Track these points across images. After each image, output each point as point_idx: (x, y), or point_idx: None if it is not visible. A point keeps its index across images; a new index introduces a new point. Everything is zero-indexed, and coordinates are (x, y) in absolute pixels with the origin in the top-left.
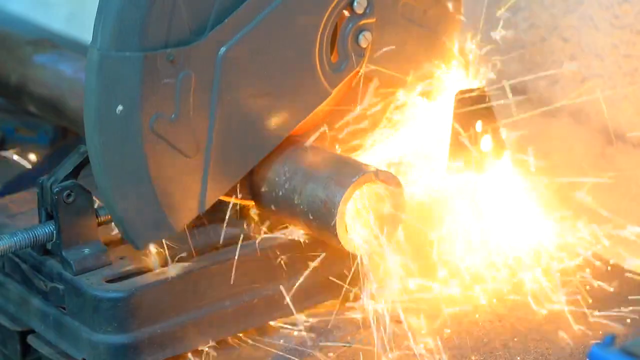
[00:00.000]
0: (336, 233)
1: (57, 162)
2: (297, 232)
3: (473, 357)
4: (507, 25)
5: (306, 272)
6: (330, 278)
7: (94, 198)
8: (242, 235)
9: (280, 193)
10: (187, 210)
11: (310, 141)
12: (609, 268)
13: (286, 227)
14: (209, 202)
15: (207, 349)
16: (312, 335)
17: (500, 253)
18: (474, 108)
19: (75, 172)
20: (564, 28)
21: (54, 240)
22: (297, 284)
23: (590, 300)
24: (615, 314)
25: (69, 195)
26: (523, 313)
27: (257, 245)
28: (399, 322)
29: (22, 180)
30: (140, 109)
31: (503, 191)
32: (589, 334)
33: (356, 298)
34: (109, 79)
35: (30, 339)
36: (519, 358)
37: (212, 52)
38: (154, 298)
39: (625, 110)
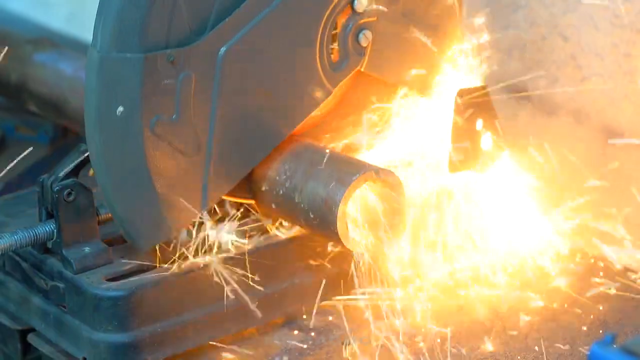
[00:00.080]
0: (337, 231)
1: (57, 161)
2: (297, 231)
3: (473, 356)
4: (507, 24)
5: (306, 271)
6: (330, 277)
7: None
8: (242, 234)
9: (281, 192)
10: (188, 210)
11: (310, 140)
12: (609, 266)
13: (286, 226)
14: (210, 202)
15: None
16: (312, 334)
17: (500, 251)
18: (475, 107)
19: (75, 171)
20: (564, 27)
21: (55, 238)
22: (297, 283)
23: (591, 300)
24: (616, 313)
25: (69, 194)
26: (523, 312)
27: (257, 243)
28: (400, 320)
29: (23, 179)
30: (141, 109)
31: (503, 190)
32: (589, 332)
33: (356, 296)
34: (109, 80)
35: (31, 338)
36: (519, 357)
37: (212, 52)
38: (155, 297)
39: (625, 109)
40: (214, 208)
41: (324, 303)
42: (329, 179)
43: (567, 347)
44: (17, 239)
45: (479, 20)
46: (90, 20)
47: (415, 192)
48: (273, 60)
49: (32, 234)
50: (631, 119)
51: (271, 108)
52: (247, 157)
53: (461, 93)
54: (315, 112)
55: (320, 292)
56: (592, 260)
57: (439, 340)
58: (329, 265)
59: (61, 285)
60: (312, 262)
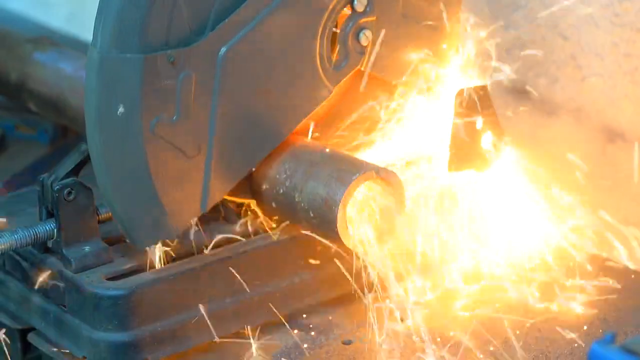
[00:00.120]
0: (337, 231)
1: (57, 160)
2: (297, 230)
3: (474, 355)
4: (507, 24)
5: (306, 270)
6: (331, 276)
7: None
8: (242, 233)
9: (281, 191)
10: (188, 210)
11: (311, 139)
12: (609, 266)
13: (286, 225)
14: (211, 202)
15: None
16: (312, 333)
17: (501, 251)
18: (474, 106)
19: (75, 170)
20: (564, 26)
21: (55, 238)
22: (297, 282)
23: (591, 298)
24: (616, 311)
25: (69, 193)
26: (524, 310)
27: (257, 242)
28: (400, 320)
29: (23, 178)
30: (141, 110)
31: (502, 189)
32: (589, 331)
33: (356, 296)
34: (109, 80)
35: (31, 337)
36: (519, 355)
37: (212, 52)
38: (155, 296)
39: (625, 108)
40: (215, 207)
41: (324, 302)
42: (329, 178)
43: (567, 346)
44: (17, 238)
45: (479, 19)
46: (91, 19)
47: (415, 191)
48: (273, 60)
49: (32, 233)
50: (631, 118)
51: (271, 108)
52: (248, 156)
53: (461, 92)
54: (316, 111)
55: (320, 291)
56: (592, 259)
57: (439, 339)
58: (329, 264)
59: (61, 284)
60: (312, 261)
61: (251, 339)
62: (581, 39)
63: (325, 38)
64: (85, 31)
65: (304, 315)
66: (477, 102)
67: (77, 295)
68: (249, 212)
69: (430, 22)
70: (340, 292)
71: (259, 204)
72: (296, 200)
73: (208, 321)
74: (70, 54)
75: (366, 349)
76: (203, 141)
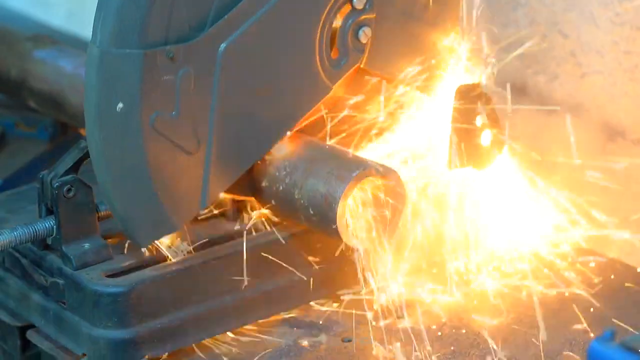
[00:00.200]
0: (337, 228)
1: (57, 158)
2: (297, 227)
3: (472, 353)
4: (506, 21)
5: (305, 267)
6: (330, 273)
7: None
8: (242, 231)
9: (281, 188)
10: (188, 207)
11: (310, 136)
12: (608, 264)
13: (286, 222)
14: (211, 199)
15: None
16: (312, 331)
17: (499, 249)
18: (474, 104)
19: (75, 167)
20: (563, 24)
21: (54, 235)
22: (296, 279)
23: (590, 296)
24: (616, 309)
25: (69, 190)
26: (522, 309)
27: (257, 240)
28: (398, 317)
29: (22, 175)
30: (141, 106)
31: (502, 187)
32: (588, 329)
33: (356, 293)
34: (109, 76)
35: (30, 334)
36: (518, 353)
37: (212, 49)
38: (154, 293)
39: (625, 106)
40: (214, 204)
41: (323, 300)
42: (328, 175)
43: (566, 343)
44: (16, 235)
45: (479, 17)
46: (90, 17)
47: (415, 189)
48: (272, 56)
49: (31, 230)
50: (631, 116)
51: (271, 105)
52: (247, 153)
53: (460, 90)
54: (316, 108)
55: (319, 288)
56: (592, 257)
57: (439, 334)
58: (328, 262)
59: (61, 281)
60: (311, 258)
61: (250, 336)
62: (581, 37)
63: (324, 35)
64: (85, 29)
65: (304, 313)
66: (476, 99)
67: (76, 292)
68: (248, 209)
69: (430, 20)
70: (339, 289)
71: (258, 201)
72: (296, 197)
73: (207, 319)
74: (70, 52)
75: (365, 347)
76: (202, 138)
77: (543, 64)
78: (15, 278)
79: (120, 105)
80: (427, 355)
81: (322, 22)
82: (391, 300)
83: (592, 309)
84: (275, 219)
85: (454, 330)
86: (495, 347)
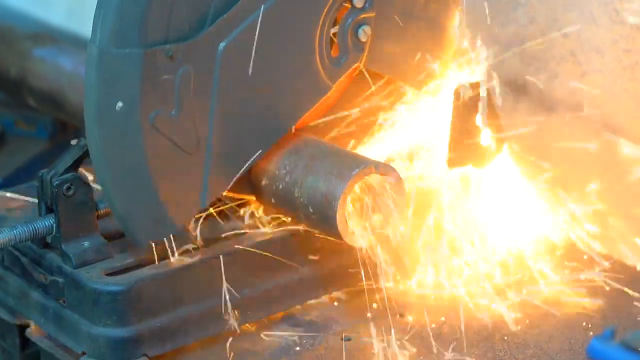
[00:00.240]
0: (336, 226)
1: (56, 156)
2: (297, 226)
3: (472, 351)
4: (506, 20)
5: (305, 266)
6: (330, 272)
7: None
8: (242, 229)
9: (281, 186)
10: (188, 206)
11: (310, 134)
12: (608, 262)
13: (286, 220)
14: (211, 198)
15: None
16: (311, 329)
17: (501, 247)
18: (474, 102)
19: (75, 166)
20: (563, 23)
21: (54, 233)
22: (296, 278)
23: (590, 294)
24: (615, 307)
25: (68, 188)
26: (522, 307)
27: (256, 238)
28: (400, 315)
29: (22, 173)
30: (140, 105)
31: (502, 185)
32: (588, 327)
33: (356, 292)
34: (108, 75)
35: (29, 332)
36: (518, 352)
37: (211, 48)
38: (154, 291)
39: (625, 105)
40: (214, 203)
41: (323, 298)
42: (328, 173)
43: (566, 342)
44: (16, 234)
45: (479, 16)
46: (90, 15)
47: (416, 186)
48: (272, 55)
49: (31, 228)
50: (631, 114)
51: (270, 103)
52: (247, 152)
53: (460, 88)
54: (316, 107)
55: (319, 287)
56: (592, 255)
57: (439, 333)
58: (328, 260)
59: (60, 279)
60: (311, 256)
61: (250, 335)
62: (581, 36)
63: (324, 34)
64: (84, 27)
65: (303, 312)
66: (475, 98)
67: (76, 290)
68: (248, 208)
69: (429, 19)
70: (339, 288)
71: (258, 200)
72: (296, 195)
73: (207, 317)
74: (69, 50)
75: (365, 345)
76: (202, 136)
77: (543, 62)
78: (14, 276)
79: (120, 104)
80: (428, 354)
81: (322, 20)
82: (391, 298)
83: (591, 310)
84: (275, 217)
85: (454, 329)
86: (495, 346)
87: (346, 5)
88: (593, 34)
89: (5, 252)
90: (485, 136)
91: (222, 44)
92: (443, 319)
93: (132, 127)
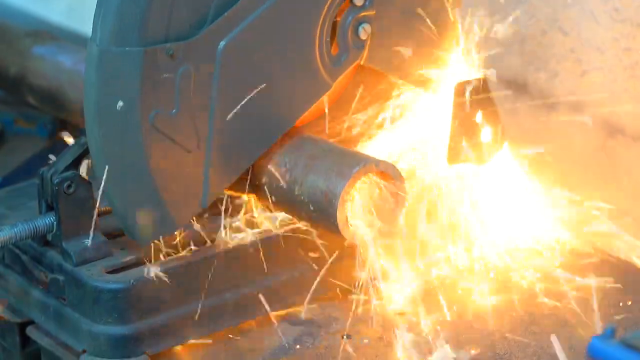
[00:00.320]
0: (337, 224)
1: (56, 154)
2: (297, 224)
3: (472, 350)
4: (507, 18)
5: (306, 264)
6: (331, 269)
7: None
8: (241, 227)
9: (281, 184)
10: (189, 205)
11: (311, 133)
12: (608, 260)
13: (286, 219)
14: (211, 197)
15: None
16: (312, 327)
17: (500, 246)
18: (474, 99)
19: (75, 163)
20: (564, 21)
21: (54, 231)
22: (296, 276)
23: (589, 293)
24: (615, 307)
25: (69, 186)
26: (523, 306)
27: (257, 236)
28: (399, 314)
29: (22, 172)
30: (140, 104)
31: (502, 183)
32: (589, 325)
33: (356, 290)
34: (108, 74)
35: (30, 331)
36: (518, 350)
37: (211, 46)
38: (155, 289)
39: (625, 103)
40: (214, 201)
41: (323, 296)
42: (329, 171)
43: (566, 341)
44: (16, 232)
45: (479, 14)
46: (90, 13)
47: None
48: (272, 54)
49: (31, 226)
50: (631, 112)
51: (271, 102)
52: (247, 151)
53: (460, 86)
54: (316, 105)
55: (319, 285)
56: (592, 253)
57: (439, 328)
58: (328, 258)
59: (61, 277)
60: (311, 254)
61: (250, 333)
62: (581, 34)
63: (324, 32)
64: (84, 25)
65: (304, 310)
66: (476, 95)
67: (76, 288)
68: (249, 206)
69: (429, 16)
70: (339, 286)
71: (258, 198)
72: (296, 193)
73: (207, 315)
74: (69, 48)
75: (365, 344)
76: (202, 135)
77: (543, 60)
78: (15, 274)
79: (120, 103)
80: (427, 352)
81: (322, 18)
82: (392, 296)
83: (591, 307)
84: (275, 215)
85: (454, 327)
86: (495, 344)
87: (346, 3)
88: (593, 32)
89: (6, 250)
90: (486, 133)
91: (222, 43)
92: (444, 316)
93: (132, 126)
